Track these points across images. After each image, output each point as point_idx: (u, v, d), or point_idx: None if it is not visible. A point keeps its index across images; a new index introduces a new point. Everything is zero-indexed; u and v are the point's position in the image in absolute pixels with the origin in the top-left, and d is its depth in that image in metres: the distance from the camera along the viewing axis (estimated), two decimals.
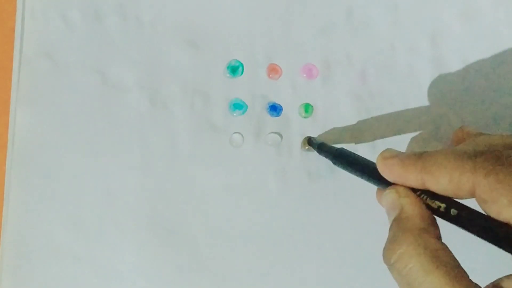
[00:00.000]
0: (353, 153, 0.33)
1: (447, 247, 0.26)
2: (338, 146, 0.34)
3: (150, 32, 0.37)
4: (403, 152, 0.30)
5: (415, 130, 0.37)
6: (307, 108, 0.37)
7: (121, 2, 0.37)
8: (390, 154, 0.29)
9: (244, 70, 0.37)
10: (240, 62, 0.37)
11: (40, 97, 0.37)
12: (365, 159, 0.32)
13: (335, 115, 0.37)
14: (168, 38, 0.37)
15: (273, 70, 0.37)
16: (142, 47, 0.37)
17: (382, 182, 0.30)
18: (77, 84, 0.37)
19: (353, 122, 0.37)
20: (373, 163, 0.30)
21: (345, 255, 0.36)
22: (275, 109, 0.37)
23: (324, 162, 0.36)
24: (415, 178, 0.28)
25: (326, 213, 0.36)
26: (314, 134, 0.37)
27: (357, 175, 0.32)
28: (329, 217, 0.36)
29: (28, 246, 0.36)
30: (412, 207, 0.28)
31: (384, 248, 0.27)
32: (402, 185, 0.29)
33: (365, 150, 0.36)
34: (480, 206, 0.26)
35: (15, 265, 0.36)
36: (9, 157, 0.36)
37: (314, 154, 0.36)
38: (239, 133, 0.37)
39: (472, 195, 0.26)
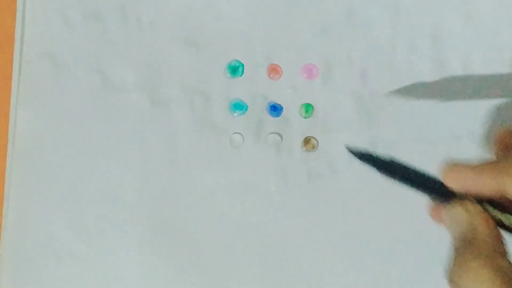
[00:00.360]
0: (405, 163, 0.30)
1: None
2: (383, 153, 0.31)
3: (150, 32, 0.37)
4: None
5: (416, 131, 0.37)
6: (308, 108, 0.37)
7: (121, 2, 0.37)
8: (458, 162, 0.28)
9: (244, 70, 0.37)
10: (240, 62, 0.37)
11: (40, 97, 0.37)
12: (419, 168, 0.29)
13: (335, 115, 0.37)
14: (168, 39, 0.37)
15: (274, 70, 0.37)
16: (142, 47, 0.37)
17: (441, 195, 0.28)
18: (77, 84, 0.37)
19: (354, 122, 0.37)
20: (431, 174, 0.29)
21: (345, 255, 0.36)
22: (275, 109, 0.37)
23: (324, 163, 0.36)
24: (492, 183, 0.26)
25: (326, 213, 0.36)
26: (314, 134, 0.36)
27: (410, 187, 0.29)
28: (329, 217, 0.36)
29: (28, 246, 0.36)
30: (484, 227, 0.26)
31: (451, 270, 0.25)
32: (469, 200, 0.27)
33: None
34: None
35: (15, 265, 0.36)
36: (9, 157, 0.36)
37: (314, 154, 0.36)
38: (239, 133, 0.37)
39: None
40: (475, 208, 0.27)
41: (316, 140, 0.37)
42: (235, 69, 0.37)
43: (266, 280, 0.36)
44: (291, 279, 0.36)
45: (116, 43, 0.37)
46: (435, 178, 0.28)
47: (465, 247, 0.26)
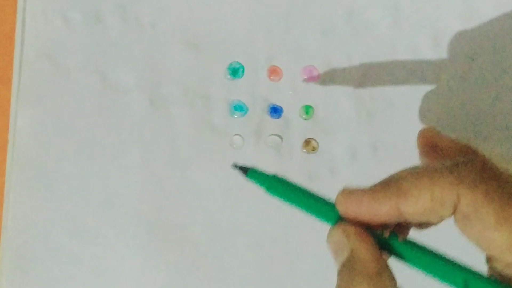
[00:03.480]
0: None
1: None
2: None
3: (150, 33, 0.37)
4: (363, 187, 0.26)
5: (416, 131, 0.37)
6: (308, 110, 0.37)
7: (122, 3, 0.37)
8: (353, 189, 0.25)
9: (244, 71, 0.37)
10: (240, 63, 0.37)
11: (41, 98, 0.37)
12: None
13: (336, 116, 0.37)
14: (169, 40, 0.37)
15: (274, 72, 0.37)
16: (142, 48, 0.37)
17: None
18: (78, 85, 0.37)
19: (354, 123, 0.37)
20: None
21: None
22: (275, 111, 0.37)
23: (325, 164, 0.36)
24: (388, 207, 0.24)
25: None
26: (314, 136, 0.37)
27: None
28: None
29: (28, 247, 0.36)
30: (364, 250, 0.24)
31: None
32: (351, 224, 0.25)
33: (365, 152, 0.36)
34: (459, 224, 0.24)
35: (15, 266, 0.36)
36: (9, 158, 0.36)
37: (314, 156, 0.36)
38: (240, 135, 0.37)
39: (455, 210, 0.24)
40: (355, 230, 0.25)
41: (317, 141, 0.37)
42: (235, 71, 0.37)
43: (266, 280, 0.36)
44: (291, 279, 0.36)
45: (116, 44, 0.37)
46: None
47: (346, 273, 0.24)
